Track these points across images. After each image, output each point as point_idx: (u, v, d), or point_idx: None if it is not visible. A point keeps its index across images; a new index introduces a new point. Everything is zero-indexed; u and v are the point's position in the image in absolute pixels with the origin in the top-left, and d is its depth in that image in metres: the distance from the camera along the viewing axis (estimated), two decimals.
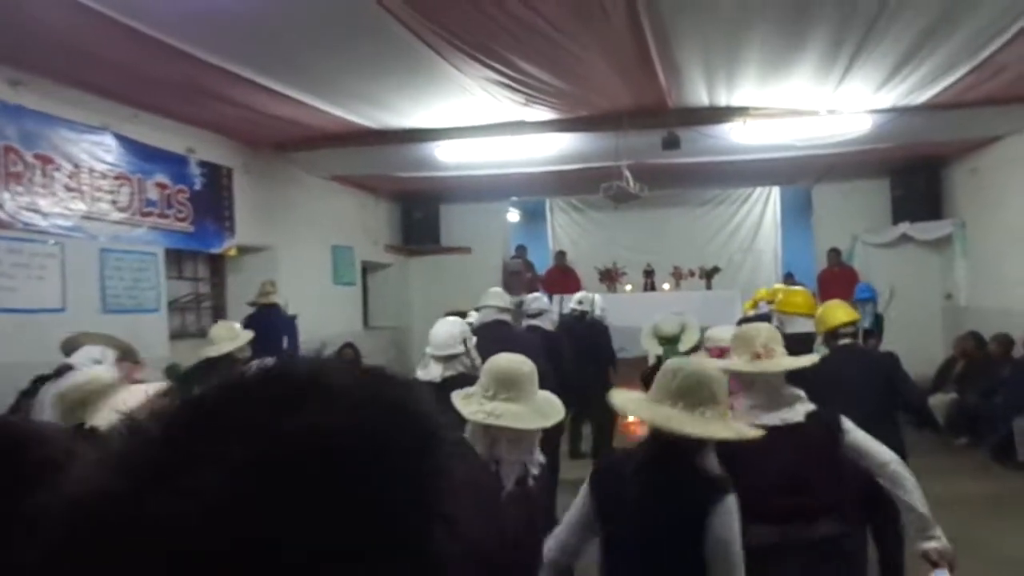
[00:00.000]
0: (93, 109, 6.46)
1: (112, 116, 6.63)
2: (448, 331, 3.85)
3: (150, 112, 6.97)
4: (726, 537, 2.13)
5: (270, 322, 6.86)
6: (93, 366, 3.82)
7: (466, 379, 3.69)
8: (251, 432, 0.48)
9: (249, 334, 5.07)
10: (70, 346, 4.40)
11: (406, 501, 0.49)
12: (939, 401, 8.72)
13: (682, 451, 2.20)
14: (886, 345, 7.66)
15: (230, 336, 4.99)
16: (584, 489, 2.44)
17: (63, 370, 3.84)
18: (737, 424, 2.29)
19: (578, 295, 8.04)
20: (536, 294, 6.88)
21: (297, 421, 0.48)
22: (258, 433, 0.48)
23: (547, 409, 2.40)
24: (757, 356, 2.84)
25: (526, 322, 6.37)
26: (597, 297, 8.03)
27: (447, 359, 3.79)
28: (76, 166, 6.23)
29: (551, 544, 2.41)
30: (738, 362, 2.85)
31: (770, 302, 7.06)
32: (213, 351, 4.88)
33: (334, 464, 0.47)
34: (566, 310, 8.12)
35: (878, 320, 8.71)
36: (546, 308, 6.51)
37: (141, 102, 6.74)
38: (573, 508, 2.46)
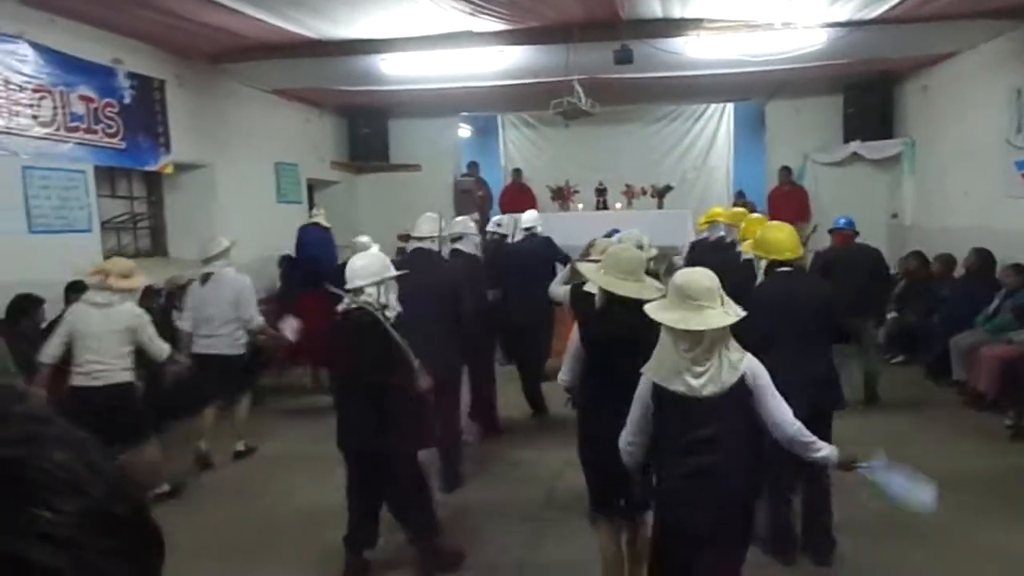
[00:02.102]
0: (5, 15, 5.99)
1: (27, 23, 6.16)
2: (357, 264, 3.94)
3: (69, 18, 6.50)
4: None
5: (315, 235, 8.19)
6: None
7: (364, 313, 3.79)
8: None
9: None
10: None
11: None
12: None
13: None
14: None
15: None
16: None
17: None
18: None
19: (496, 218, 7.88)
20: (460, 217, 6.57)
21: None
22: None
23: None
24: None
25: (449, 247, 6.02)
26: (527, 216, 7.81)
27: (353, 292, 3.86)
28: None
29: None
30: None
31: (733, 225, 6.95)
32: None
33: None
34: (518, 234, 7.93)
35: None
36: (467, 231, 6.15)
37: (58, 6, 6.27)
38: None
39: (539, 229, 7.61)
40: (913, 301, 8.61)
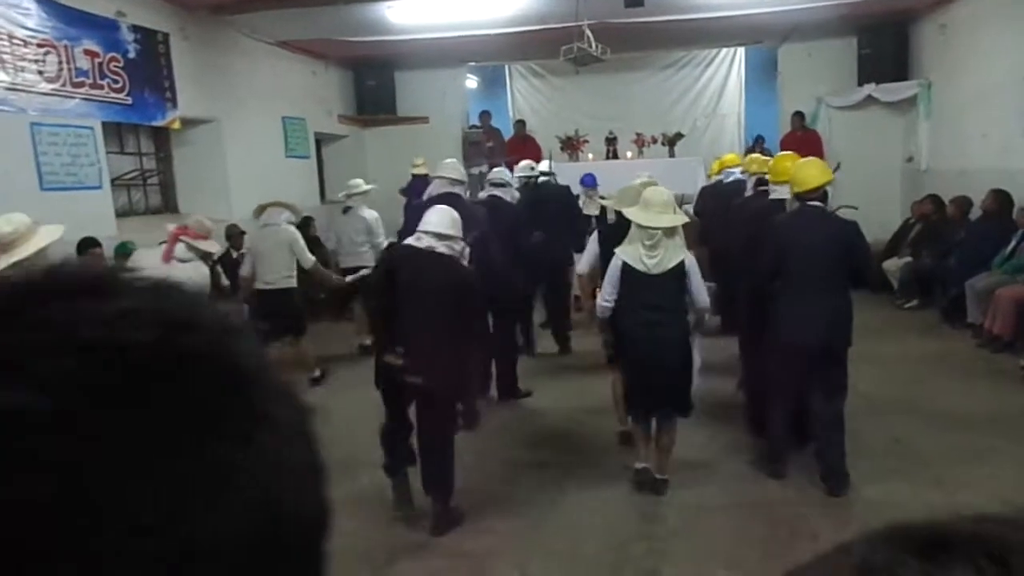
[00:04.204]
0: None
1: None
2: (451, 216, 4.08)
3: None
4: None
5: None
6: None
7: (452, 260, 3.99)
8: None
9: None
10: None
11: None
12: (893, 265, 8.88)
13: None
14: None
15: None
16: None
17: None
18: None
19: (523, 163, 7.93)
20: (499, 169, 6.81)
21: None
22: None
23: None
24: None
25: (490, 191, 6.35)
26: (543, 164, 8.02)
27: (441, 237, 3.98)
28: None
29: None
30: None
31: (745, 170, 6.93)
32: None
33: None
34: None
35: None
36: (509, 180, 6.47)
37: None
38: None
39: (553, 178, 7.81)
40: (928, 245, 8.55)
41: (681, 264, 4.04)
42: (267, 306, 6.17)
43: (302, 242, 6.49)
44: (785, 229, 4.26)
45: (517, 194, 6.70)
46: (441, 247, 3.97)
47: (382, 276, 4.15)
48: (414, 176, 9.04)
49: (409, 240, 4.12)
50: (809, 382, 4.27)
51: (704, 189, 8.28)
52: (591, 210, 7.62)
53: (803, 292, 4.13)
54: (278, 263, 6.30)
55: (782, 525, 3.98)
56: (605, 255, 4.54)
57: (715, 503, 4.26)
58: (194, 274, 4.56)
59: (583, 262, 5.18)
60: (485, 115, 12.48)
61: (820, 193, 4.25)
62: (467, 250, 4.19)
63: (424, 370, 3.84)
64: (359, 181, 7.69)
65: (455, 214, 4.13)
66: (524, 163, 7.89)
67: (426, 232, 4.00)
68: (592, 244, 5.04)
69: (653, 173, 7.31)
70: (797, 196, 4.29)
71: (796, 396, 4.33)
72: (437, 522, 4.01)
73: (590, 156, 12.20)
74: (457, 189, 5.63)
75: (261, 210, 6.54)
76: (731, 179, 7.38)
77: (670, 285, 4.06)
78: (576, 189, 8.04)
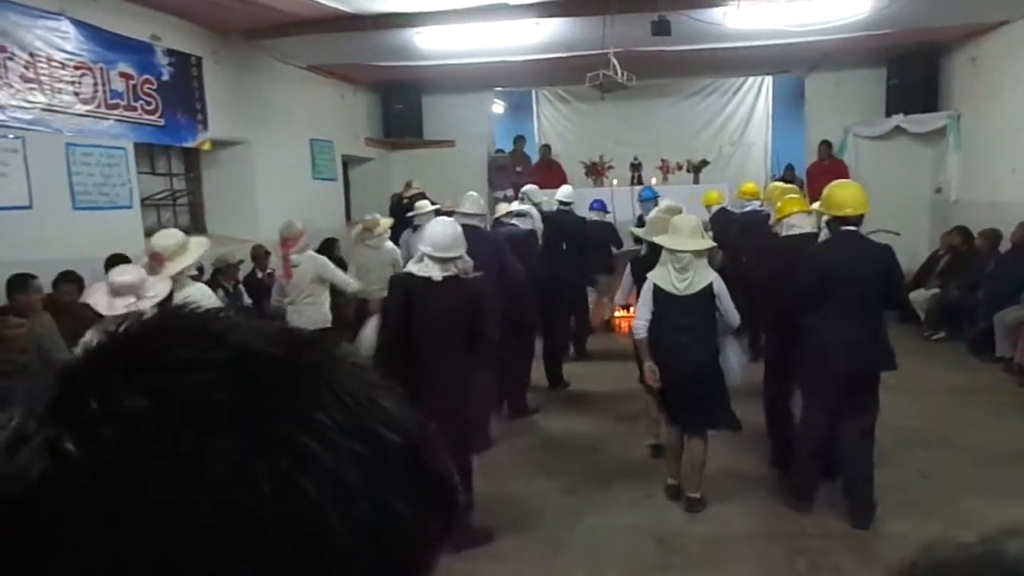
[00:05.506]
0: None
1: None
2: (449, 232, 4.01)
3: None
4: None
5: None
6: None
7: (459, 280, 3.96)
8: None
9: None
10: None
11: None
12: (920, 296, 8.76)
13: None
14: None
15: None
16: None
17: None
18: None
19: (560, 192, 7.95)
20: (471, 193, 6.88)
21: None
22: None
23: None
24: None
25: (515, 220, 6.64)
26: (563, 190, 8.07)
27: (446, 261, 3.92)
28: (32, 54, 5.88)
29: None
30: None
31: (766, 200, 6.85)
32: None
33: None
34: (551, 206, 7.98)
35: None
36: (527, 211, 6.75)
37: None
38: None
39: (574, 205, 7.82)
40: (955, 277, 8.44)
41: (710, 286, 4.25)
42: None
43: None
44: (829, 255, 4.17)
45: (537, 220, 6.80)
46: (446, 270, 3.93)
47: (399, 309, 4.07)
48: (412, 197, 9.11)
49: (412, 267, 4.06)
50: (841, 413, 4.19)
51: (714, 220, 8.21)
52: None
53: (845, 320, 4.02)
54: (382, 275, 6.88)
55: (804, 558, 3.91)
56: (638, 284, 4.83)
57: (737, 534, 4.21)
58: (315, 264, 5.64)
59: (619, 293, 5.62)
60: (520, 140, 12.55)
61: (859, 218, 4.19)
62: (471, 264, 4.16)
63: (440, 396, 3.83)
64: (425, 203, 8.01)
65: (453, 229, 4.09)
66: (531, 187, 7.97)
67: (429, 256, 3.96)
68: (626, 275, 5.43)
69: (677, 200, 7.36)
70: (837, 219, 4.17)
71: (828, 430, 4.25)
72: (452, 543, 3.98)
73: (614, 182, 12.17)
74: (475, 221, 5.67)
75: (364, 231, 7.27)
76: (747, 209, 7.35)
77: (699, 306, 4.25)
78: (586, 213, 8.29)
